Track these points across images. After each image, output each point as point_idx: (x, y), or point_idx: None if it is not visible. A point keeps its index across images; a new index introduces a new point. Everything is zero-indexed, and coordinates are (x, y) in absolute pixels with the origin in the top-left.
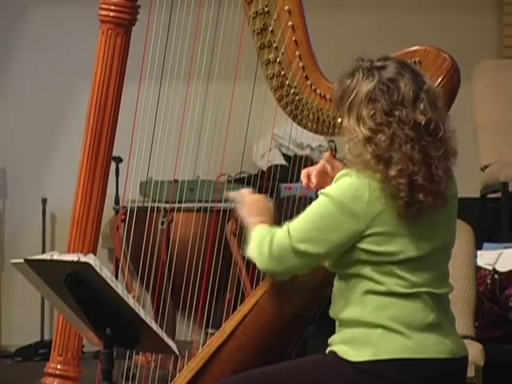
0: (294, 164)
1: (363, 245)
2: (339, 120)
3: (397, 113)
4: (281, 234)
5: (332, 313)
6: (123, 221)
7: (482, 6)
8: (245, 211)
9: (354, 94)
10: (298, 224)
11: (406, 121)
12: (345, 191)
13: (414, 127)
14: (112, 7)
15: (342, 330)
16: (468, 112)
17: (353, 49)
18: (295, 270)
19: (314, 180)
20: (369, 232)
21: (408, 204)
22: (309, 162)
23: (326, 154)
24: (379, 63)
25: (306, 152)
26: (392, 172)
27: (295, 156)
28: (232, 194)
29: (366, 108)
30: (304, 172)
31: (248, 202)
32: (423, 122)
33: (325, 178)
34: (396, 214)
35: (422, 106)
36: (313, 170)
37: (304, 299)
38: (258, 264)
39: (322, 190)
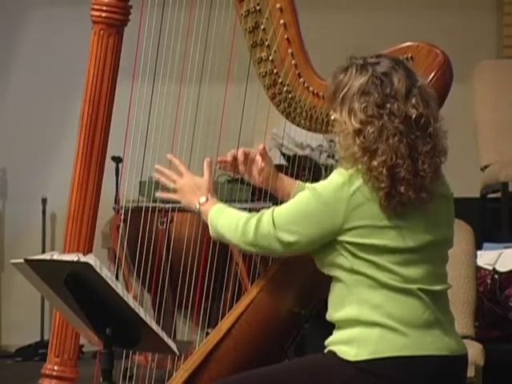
0: (294, 164)
1: (348, 238)
2: (332, 117)
3: (388, 105)
4: (265, 223)
5: (329, 316)
6: (122, 220)
7: (482, 6)
8: (183, 199)
9: (346, 88)
10: (283, 214)
11: (397, 114)
12: (327, 186)
13: (405, 120)
14: (104, 8)
15: (340, 331)
16: (468, 112)
17: (351, 48)
18: (277, 254)
19: (240, 157)
20: (349, 226)
21: (388, 195)
22: (308, 161)
23: (261, 146)
24: (373, 60)
25: (306, 152)
26: (374, 163)
27: (295, 156)
28: (164, 195)
29: (358, 101)
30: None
31: (179, 189)
32: (414, 116)
33: (246, 164)
34: (379, 206)
35: (414, 101)
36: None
37: (300, 297)
38: (236, 244)
39: (309, 184)
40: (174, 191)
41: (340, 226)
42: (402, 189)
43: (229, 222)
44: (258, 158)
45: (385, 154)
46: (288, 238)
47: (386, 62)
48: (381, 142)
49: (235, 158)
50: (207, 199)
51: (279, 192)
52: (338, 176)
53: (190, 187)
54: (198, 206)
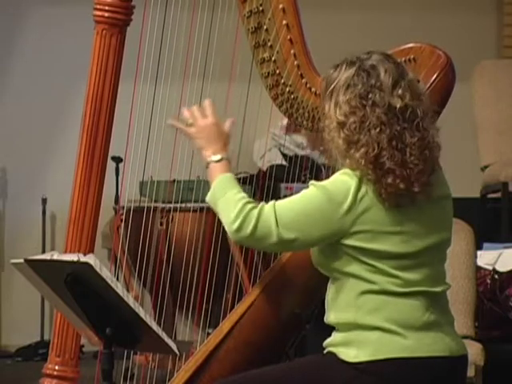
0: (295, 164)
1: (352, 242)
2: (326, 122)
3: (371, 96)
4: (267, 216)
5: (327, 318)
6: (123, 221)
7: (482, 6)
8: (198, 141)
9: (335, 82)
10: (287, 210)
11: (380, 104)
12: (337, 186)
13: (388, 110)
14: (106, 7)
15: (339, 333)
16: (468, 112)
17: (352, 48)
18: (271, 250)
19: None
20: (355, 229)
21: (380, 187)
22: (309, 161)
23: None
24: (364, 56)
25: (306, 152)
26: (357, 155)
27: (295, 156)
28: (177, 124)
29: (344, 94)
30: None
31: (197, 131)
32: (398, 106)
33: None
34: (384, 211)
35: (400, 92)
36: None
37: (301, 298)
38: (229, 233)
39: (315, 182)
40: (192, 128)
41: (347, 229)
42: (390, 180)
43: (229, 206)
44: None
45: (365, 145)
46: (288, 235)
47: (376, 56)
48: (362, 133)
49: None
50: (221, 159)
51: None
52: (346, 177)
53: (210, 133)
54: (208, 161)
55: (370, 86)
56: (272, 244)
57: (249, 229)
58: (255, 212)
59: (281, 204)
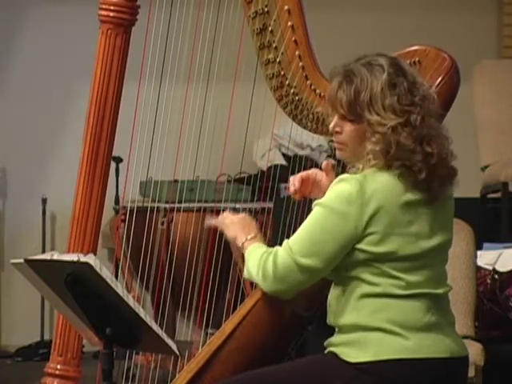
0: (294, 164)
1: (361, 245)
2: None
3: (415, 91)
4: (283, 252)
5: (329, 320)
6: (123, 221)
7: (482, 5)
8: (231, 232)
9: (369, 89)
10: (298, 239)
11: (427, 96)
12: (337, 197)
13: (432, 101)
14: (112, 7)
15: (341, 334)
16: (468, 112)
17: (353, 49)
18: (300, 285)
19: (296, 184)
20: (366, 232)
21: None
22: (309, 162)
23: (325, 163)
24: (369, 58)
25: (306, 152)
26: (429, 149)
27: (295, 156)
28: (213, 221)
29: (390, 95)
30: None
31: (231, 222)
32: (432, 95)
33: (309, 186)
34: (393, 212)
35: (421, 81)
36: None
37: (303, 299)
38: (263, 288)
39: (317, 201)
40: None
41: (360, 233)
42: (443, 170)
43: (253, 267)
44: (320, 178)
45: (433, 138)
46: (306, 260)
47: (383, 56)
48: (425, 126)
49: (304, 180)
50: (255, 236)
51: None
52: (345, 184)
53: (240, 223)
54: (243, 241)
55: (409, 81)
56: (297, 275)
57: (270, 272)
58: (271, 255)
59: (292, 237)
